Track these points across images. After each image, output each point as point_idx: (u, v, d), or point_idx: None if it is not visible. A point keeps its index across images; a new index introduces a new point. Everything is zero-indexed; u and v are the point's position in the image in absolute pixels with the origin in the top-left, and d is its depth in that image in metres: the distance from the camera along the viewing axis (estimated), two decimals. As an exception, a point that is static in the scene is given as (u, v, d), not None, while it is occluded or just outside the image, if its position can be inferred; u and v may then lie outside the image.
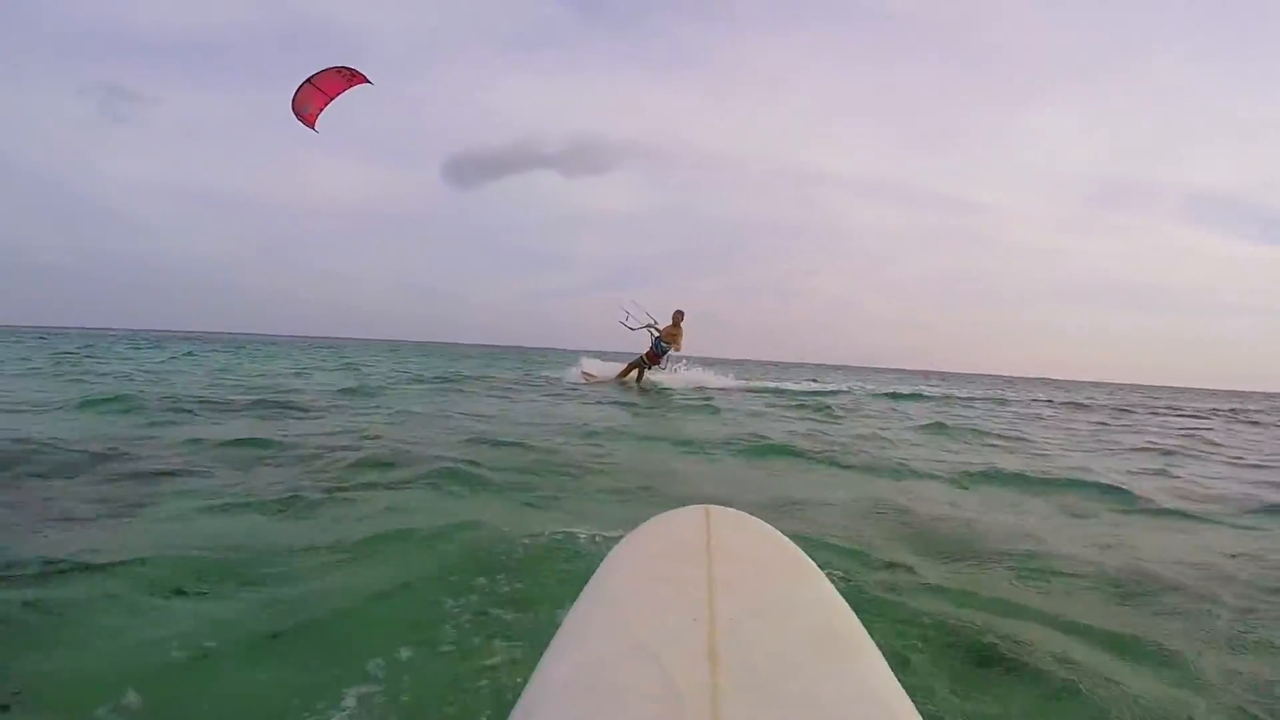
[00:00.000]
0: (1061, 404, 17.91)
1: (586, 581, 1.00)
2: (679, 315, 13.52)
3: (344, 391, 10.36)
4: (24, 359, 15.21)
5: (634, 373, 13.75)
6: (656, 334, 13.52)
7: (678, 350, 13.60)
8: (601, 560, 1.04)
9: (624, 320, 13.43)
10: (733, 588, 0.89)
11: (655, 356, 13.62)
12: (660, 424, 8.41)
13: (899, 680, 0.78)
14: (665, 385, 13.50)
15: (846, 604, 0.91)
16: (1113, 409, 16.91)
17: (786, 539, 1.06)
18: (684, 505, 1.15)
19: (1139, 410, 16.94)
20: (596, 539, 2.83)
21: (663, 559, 0.97)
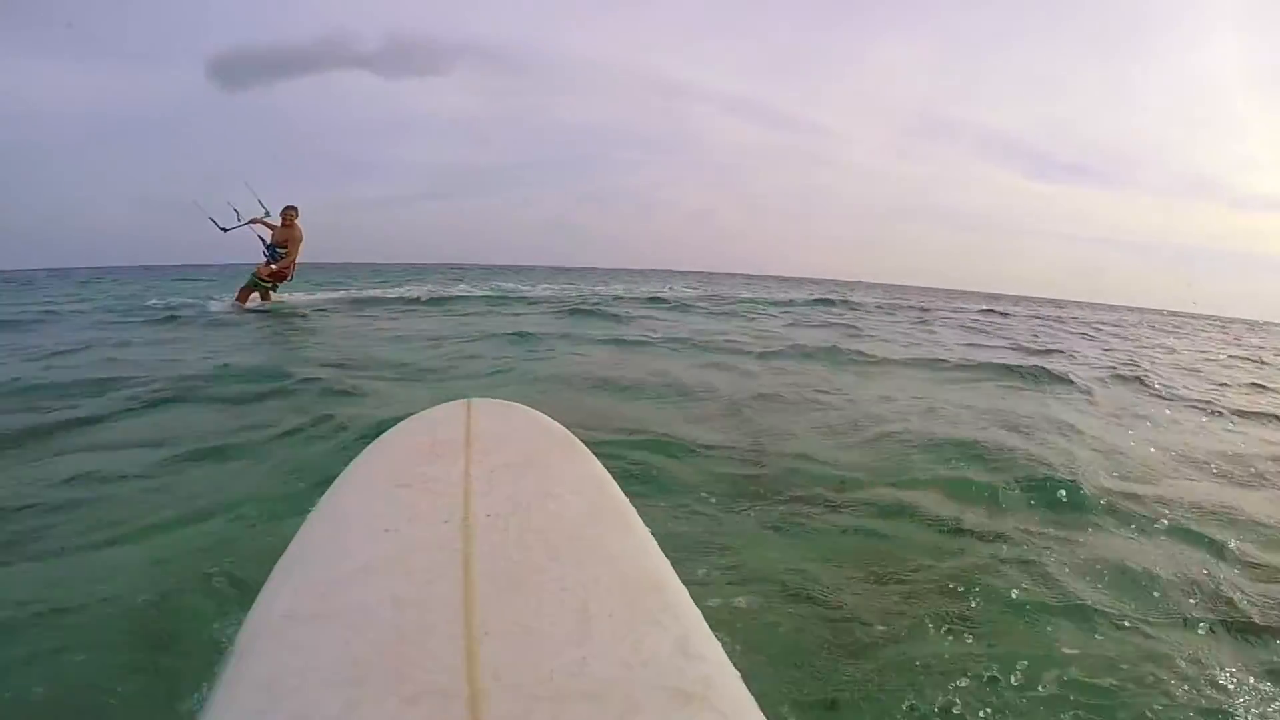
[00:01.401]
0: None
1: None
2: (291, 212, 9.93)
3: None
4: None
5: (254, 296, 9.99)
6: (265, 237, 9.80)
7: (294, 259, 9.99)
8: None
9: (221, 222, 9.62)
10: (493, 481, 0.81)
11: (277, 272, 9.92)
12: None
13: (667, 554, 0.76)
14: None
15: (615, 484, 0.88)
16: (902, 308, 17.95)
17: (557, 424, 0.99)
18: None
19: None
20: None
21: (412, 461, 0.86)
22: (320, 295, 12.12)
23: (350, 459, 0.91)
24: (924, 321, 13.15)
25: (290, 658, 0.59)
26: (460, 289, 15.52)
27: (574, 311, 10.31)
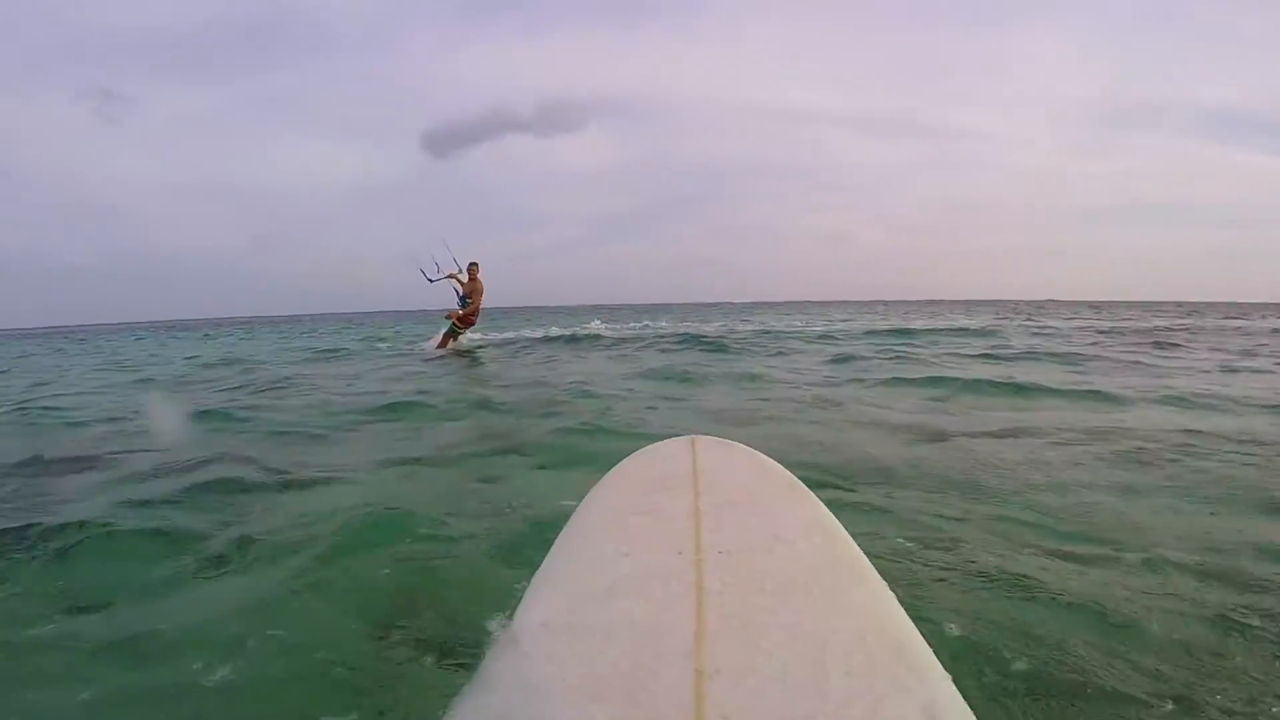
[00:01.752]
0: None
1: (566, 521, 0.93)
2: (474, 268, 11.41)
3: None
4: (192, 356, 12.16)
5: (450, 341, 11.60)
6: (458, 289, 11.37)
7: (478, 306, 11.51)
8: (582, 499, 0.98)
9: (428, 273, 11.17)
10: (721, 518, 0.84)
11: (465, 317, 11.49)
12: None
13: (907, 611, 0.72)
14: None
15: (846, 532, 0.86)
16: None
17: (779, 466, 1.01)
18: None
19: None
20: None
21: (646, 492, 0.92)
22: (508, 334, 14.04)
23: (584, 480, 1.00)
24: (1221, 351, 8.94)
25: (543, 664, 0.65)
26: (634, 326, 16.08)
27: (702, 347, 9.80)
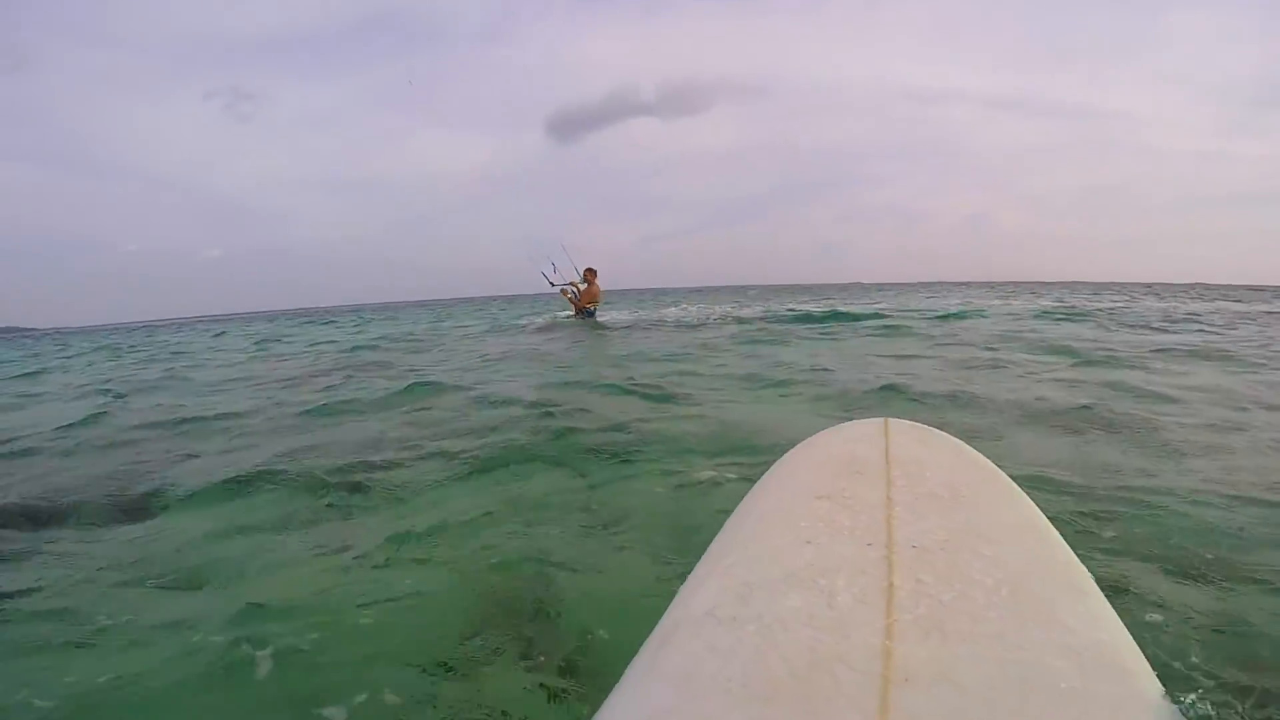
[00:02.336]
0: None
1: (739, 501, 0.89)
2: (591, 273, 12.93)
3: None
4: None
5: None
6: (575, 295, 13.01)
7: (596, 307, 13.22)
8: (757, 479, 0.93)
9: (549, 275, 12.92)
10: (917, 510, 0.76)
11: (580, 308, 13.24)
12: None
13: (1126, 627, 0.63)
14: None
15: (1059, 534, 0.76)
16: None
17: (983, 458, 0.90)
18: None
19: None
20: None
21: (832, 476, 0.85)
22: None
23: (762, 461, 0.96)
24: None
25: (706, 657, 0.60)
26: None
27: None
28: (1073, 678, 0.56)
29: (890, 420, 0.96)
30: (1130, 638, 0.63)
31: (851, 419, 0.98)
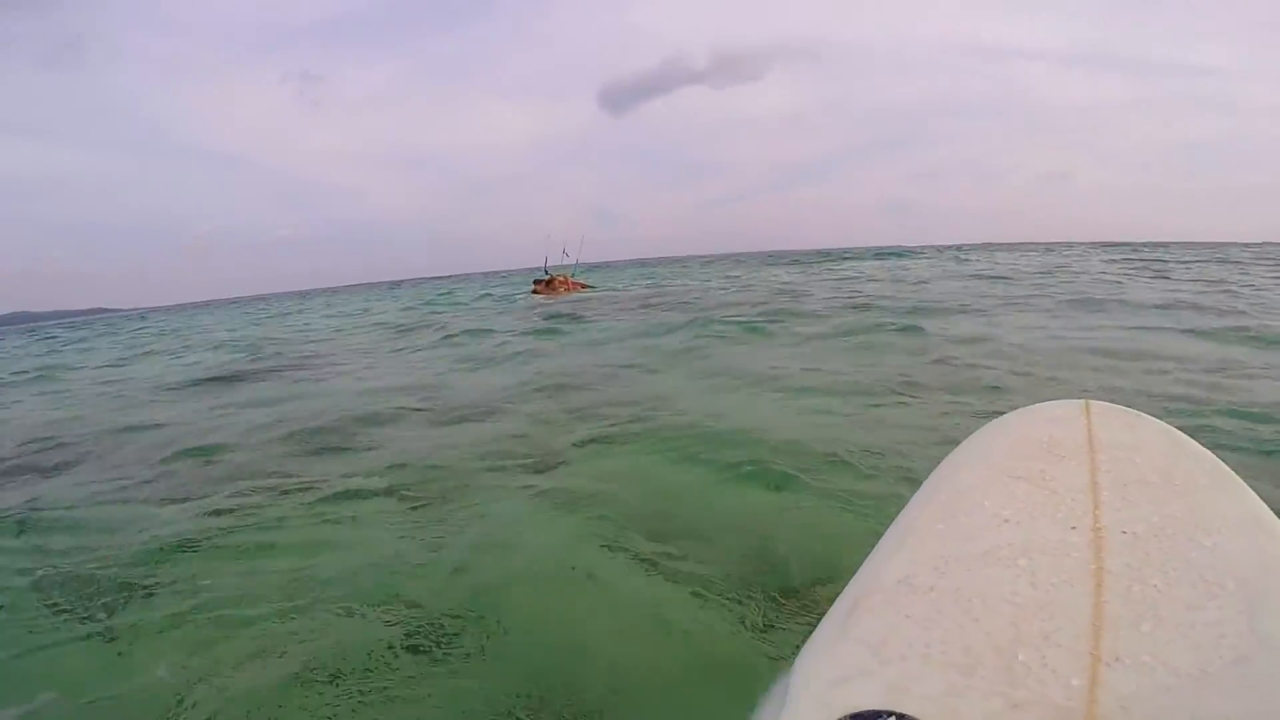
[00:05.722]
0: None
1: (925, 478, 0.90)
2: (557, 278, 20.09)
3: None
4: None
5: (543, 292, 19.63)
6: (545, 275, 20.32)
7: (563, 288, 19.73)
8: (945, 456, 0.93)
9: (552, 260, 21.54)
10: (1125, 496, 0.74)
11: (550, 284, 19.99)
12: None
13: None
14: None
15: None
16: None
17: (1197, 444, 0.85)
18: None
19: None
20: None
21: (1030, 456, 0.84)
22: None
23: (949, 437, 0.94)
24: None
25: (902, 625, 0.61)
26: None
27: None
28: None
29: (1091, 402, 0.91)
30: None
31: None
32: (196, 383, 6.97)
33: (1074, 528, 0.71)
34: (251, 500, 2.89)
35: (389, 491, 2.88)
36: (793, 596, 1.75)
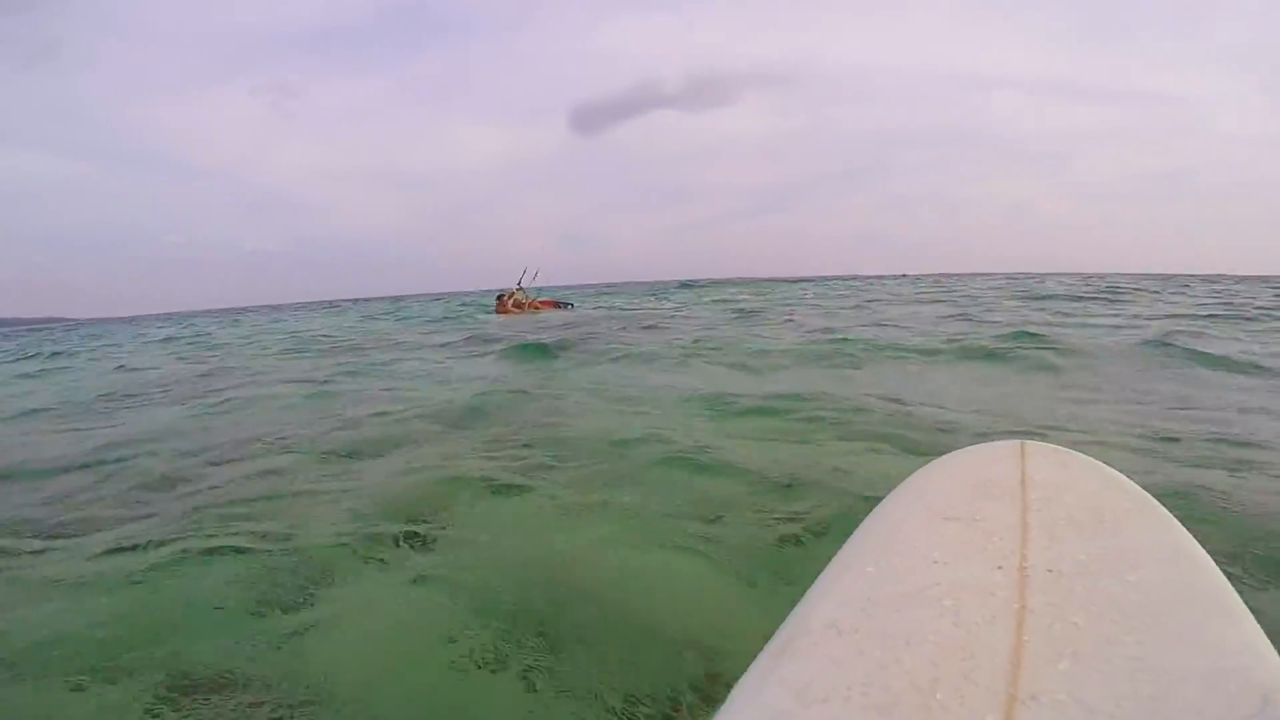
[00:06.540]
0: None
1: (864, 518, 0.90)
2: (509, 297, 20.54)
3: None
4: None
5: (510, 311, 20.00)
6: (506, 296, 20.53)
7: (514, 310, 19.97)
8: (884, 495, 0.94)
9: (521, 280, 21.49)
10: (1053, 534, 0.75)
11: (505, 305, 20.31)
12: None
13: None
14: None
15: (1211, 561, 0.72)
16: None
17: (1128, 480, 0.87)
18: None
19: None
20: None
21: (963, 497, 0.85)
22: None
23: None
24: None
25: (826, 667, 0.61)
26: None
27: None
28: (1215, 706, 0.54)
29: (1027, 442, 0.93)
30: None
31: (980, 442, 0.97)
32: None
33: (1000, 567, 0.71)
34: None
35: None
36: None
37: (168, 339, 18.58)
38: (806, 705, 0.58)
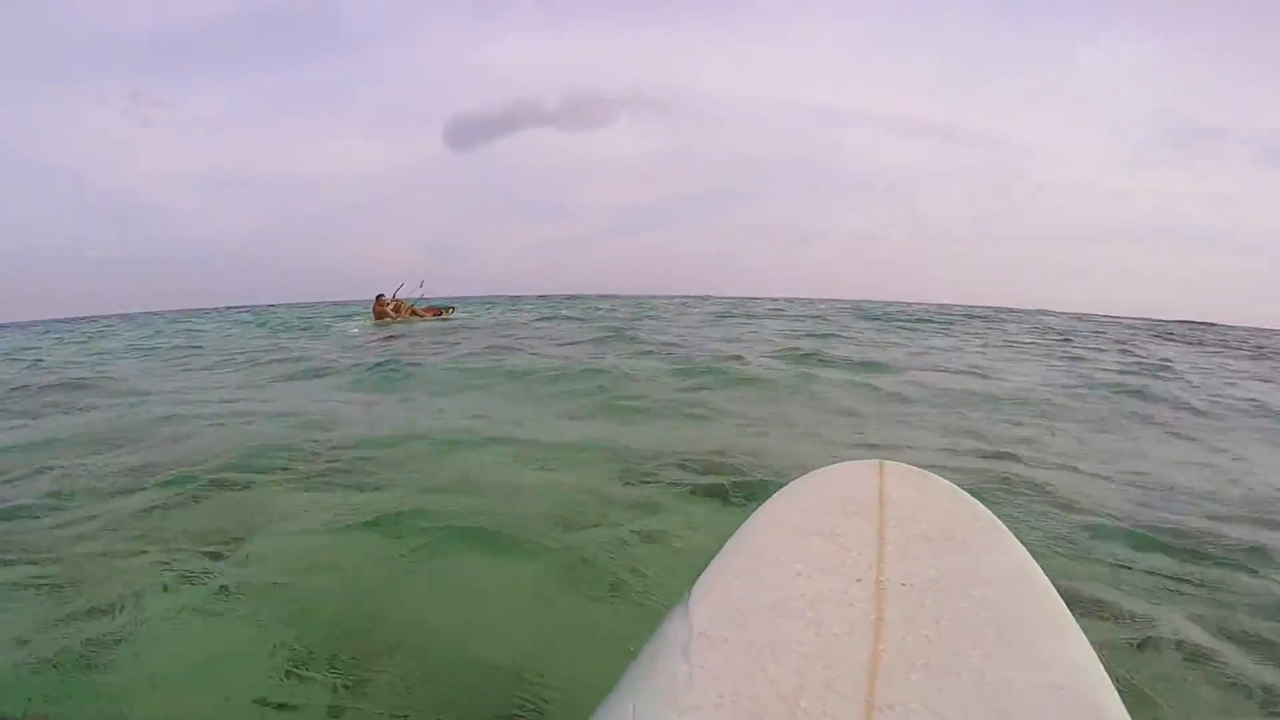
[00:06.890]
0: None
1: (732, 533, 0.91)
2: (383, 298, 19.32)
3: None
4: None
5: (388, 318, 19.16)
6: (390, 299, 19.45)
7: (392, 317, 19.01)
8: (751, 512, 0.95)
9: (415, 286, 20.16)
10: (907, 550, 0.79)
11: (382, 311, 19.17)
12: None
13: (1106, 671, 0.64)
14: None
15: (1046, 578, 0.78)
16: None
17: (976, 502, 0.92)
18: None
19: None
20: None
21: (825, 514, 0.88)
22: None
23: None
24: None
25: (696, 675, 0.63)
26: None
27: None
28: (1049, 712, 0.58)
29: (885, 462, 0.98)
30: (1107, 679, 0.65)
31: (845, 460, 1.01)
32: None
33: (859, 580, 0.73)
34: None
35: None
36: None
37: None
38: (681, 712, 0.58)
